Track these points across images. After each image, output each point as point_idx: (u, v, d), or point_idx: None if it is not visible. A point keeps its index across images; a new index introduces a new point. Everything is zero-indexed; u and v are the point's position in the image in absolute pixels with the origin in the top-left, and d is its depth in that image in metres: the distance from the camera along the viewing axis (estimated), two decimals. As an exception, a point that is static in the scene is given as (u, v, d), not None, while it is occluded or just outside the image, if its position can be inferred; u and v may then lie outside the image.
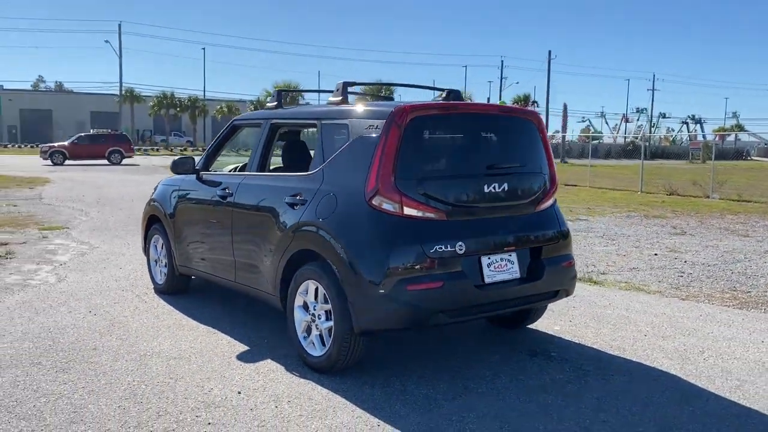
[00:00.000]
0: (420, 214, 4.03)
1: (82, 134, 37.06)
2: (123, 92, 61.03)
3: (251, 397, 3.91)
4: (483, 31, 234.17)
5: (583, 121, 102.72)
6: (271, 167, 5.51)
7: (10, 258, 8.20)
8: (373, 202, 4.00)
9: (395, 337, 5.09)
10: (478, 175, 4.32)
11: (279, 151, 5.71)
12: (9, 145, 60.31)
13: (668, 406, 3.87)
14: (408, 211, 4.00)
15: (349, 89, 4.81)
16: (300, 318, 4.46)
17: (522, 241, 4.45)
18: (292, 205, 4.51)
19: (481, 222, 4.30)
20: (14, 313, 5.64)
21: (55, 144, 35.98)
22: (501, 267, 4.30)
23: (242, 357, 4.61)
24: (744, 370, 4.53)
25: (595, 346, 4.97)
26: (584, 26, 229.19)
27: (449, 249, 4.03)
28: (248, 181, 5.17)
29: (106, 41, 71.98)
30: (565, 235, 4.75)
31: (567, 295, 4.83)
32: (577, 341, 5.10)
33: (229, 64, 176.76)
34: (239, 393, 3.97)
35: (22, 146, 57.47)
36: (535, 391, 4.08)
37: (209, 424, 3.54)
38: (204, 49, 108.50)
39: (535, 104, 63.62)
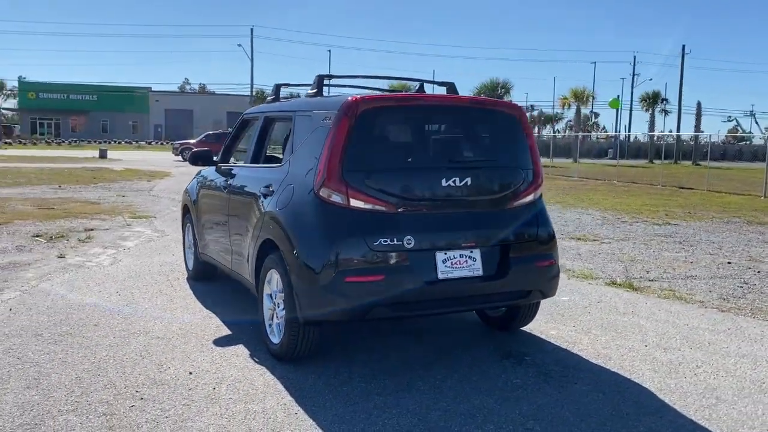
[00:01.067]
0: (367, 206, 4.01)
1: (210, 132, 39.65)
2: (254, 93, 64.55)
3: (198, 378, 4.08)
4: (614, 26, 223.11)
5: (730, 120, 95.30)
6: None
7: (87, 242, 9.00)
8: (321, 193, 4.04)
9: (375, 327, 5.09)
10: (436, 168, 4.23)
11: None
12: (153, 142, 65.85)
13: (611, 420, 3.60)
14: (355, 203, 3.99)
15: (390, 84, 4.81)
16: (267, 306, 4.59)
17: (486, 237, 4.29)
18: (264, 196, 4.64)
19: (438, 217, 4.21)
20: (53, 290, 6.22)
21: (187, 141, 38.75)
22: (459, 263, 4.18)
23: (219, 341, 4.80)
24: (732, 389, 4.09)
25: (581, 354, 4.69)
26: (724, 18, 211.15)
27: (395, 243, 3.98)
28: (239, 172, 5.39)
29: (239, 45, 76.16)
30: (543, 234, 4.52)
31: (543, 297, 4.60)
32: (565, 347, 4.83)
33: (351, 64, 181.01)
34: (190, 373, 4.15)
35: (165, 143, 62.38)
36: (480, 393, 3.93)
37: (141, 399, 3.74)
38: (330, 51, 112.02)
39: (665, 102, 59.82)
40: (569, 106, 54.25)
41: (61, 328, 5.02)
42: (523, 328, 5.21)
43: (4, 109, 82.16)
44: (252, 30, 69.83)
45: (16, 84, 72.90)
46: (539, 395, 3.92)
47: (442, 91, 5.13)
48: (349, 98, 4.15)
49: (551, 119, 77.92)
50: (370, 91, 5.06)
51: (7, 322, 5.15)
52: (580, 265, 8.04)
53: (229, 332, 5.03)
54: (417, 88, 4.85)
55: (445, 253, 4.15)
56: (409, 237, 4.02)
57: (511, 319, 5.03)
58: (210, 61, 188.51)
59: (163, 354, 4.50)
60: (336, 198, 3.99)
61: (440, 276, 4.11)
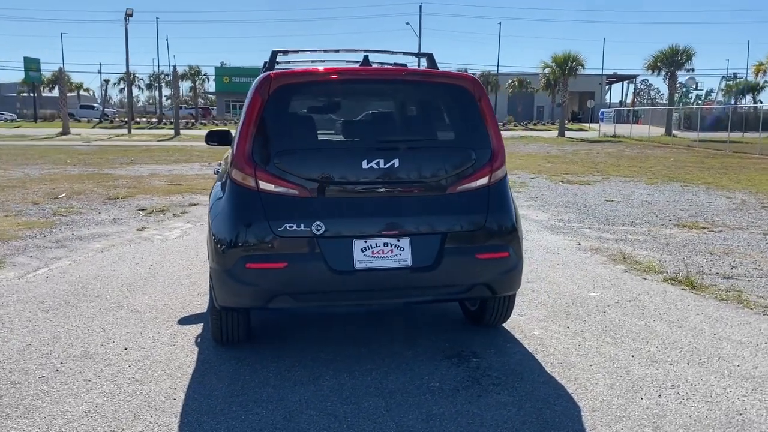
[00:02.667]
0: (277, 189, 3.81)
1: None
2: (422, 70, 64.93)
3: (127, 354, 4.18)
4: None
5: None
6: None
7: (178, 216, 9.67)
8: (233, 175, 3.91)
9: (327, 314, 4.87)
10: (357, 149, 3.89)
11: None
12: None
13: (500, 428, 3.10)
14: (264, 186, 3.81)
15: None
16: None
17: (417, 225, 3.89)
18: (219, 181, 4.61)
19: (358, 201, 3.88)
20: (101, 262, 6.74)
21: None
22: (383, 253, 3.83)
23: (184, 320, 4.89)
24: (695, 416, 3.34)
25: (543, 360, 4.11)
26: None
27: (302, 228, 3.75)
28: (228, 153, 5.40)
29: (407, 23, 76.64)
30: (494, 222, 4.00)
31: (494, 293, 4.08)
32: (532, 351, 4.26)
33: (522, 36, 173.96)
34: (125, 349, 4.27)
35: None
36: (381, 394, 3.59)
37: (56, 371, 3.91)
38: (500, 23, 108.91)
39: None
40: (765, 71, 47.68)
41: (66, 298, 5.41)
42: (506, 326, 4.69)
43: (207, 93, 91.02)
44: (420, 7, 69.82)
45: (212, 70, 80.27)
46: (443, 403, 3.49)
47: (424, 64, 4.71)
48: (263, 74, 3.95)
49: (754, 88, 69.16)
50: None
51: (27, 289, 5.67)
52: (656, 256, 7.07)
53: (201, 312, 5.10)
54: (362, 61, 4.49)
55: (365, 242, 3.83)
56: (318, 223, 3.75)
57: (481, 313, 4.54)
58: (379, 40, 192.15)
59: (123, 328, 4.67)
60: (247, 181, 3.84)
61: (357, 265, 3.80)
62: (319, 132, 4.11)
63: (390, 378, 3.81)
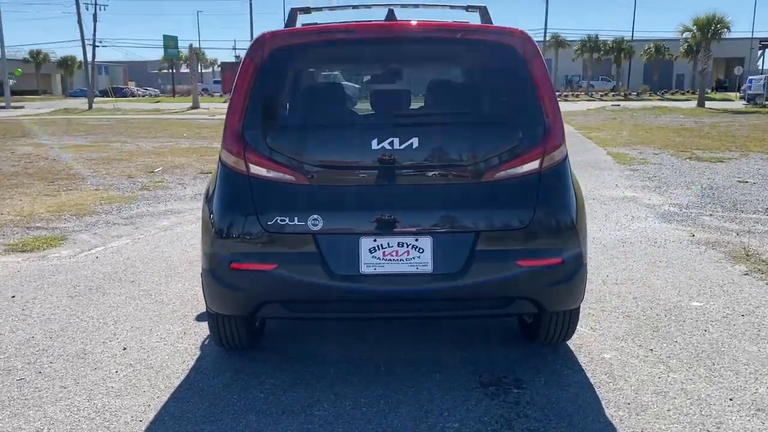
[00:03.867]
0: (270, 174, 3.14)
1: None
2: (547, 38, 61.72)
3: (124, 356, 3.73)
4: None
5: None
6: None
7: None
8: (221, 156, 3.29)
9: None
10: (369, 125, 3.14)
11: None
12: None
13: None
14: (256, 170, 3.16)
15: (301, 17, 3.91)
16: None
17: (442, 221, 3.09)
18: None
19: (367, 191, 3.14)
20: (157, 242, 6.47)
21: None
22: (396, 255, 3.08)
23: (203, 316, 4.38)
24: None
25: (607, 396, 3.20)
26: None
27: (297, 223, 3.07)
28: None
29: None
30: (547, 219, 3.12)
31: (542, 310, 3.22)
32: (594, 381, 3.36)
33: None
34: (124, 349, 3.83)
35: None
36: (397, 416, 2.88)
37: (39, 372, 3.52)
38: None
39: None
40: None
41: (100, 283, 5.11)
42: (571, 344, 3.79)
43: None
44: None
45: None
46: (455, 454, 2.72)
47: (475, 18, 3.84)
48: (261, 35, 3.27)
49: None
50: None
51: (71, 270, 5.44)
52: (789, 254, 5.75)
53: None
54: (386, 15, 3.65)
55: (375, 240, 3.09)
56: (316, 216, 3.06)
57: (536, 327, 3.67)
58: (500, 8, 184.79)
59: (135, 322, 4.26)
60: (236, 164, 3.20)
61: (364, 270, 3.08)
62: (322, 104, 3.39)
63: (399, 411, 3.07)
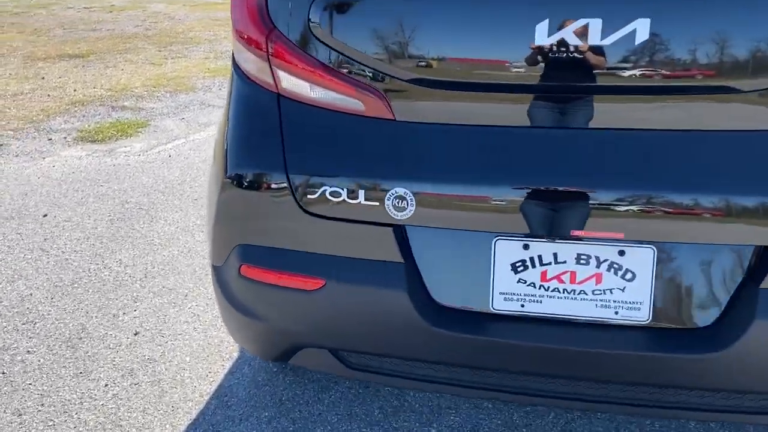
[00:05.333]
0: (315, 93, 1.54)
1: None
2: None
3: (127, 349, 2.48)
4: None
5: None
6: None
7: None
8: (234, 57, 1.70)
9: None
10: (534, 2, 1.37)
11: None
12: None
13: None
14: (288, 80, 1.56)
15: None
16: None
17: (693, 222, 1.37)
18: None
19: (516, 137, 1.44)
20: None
21: None
22: (570, 281, 1.45)
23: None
24: None
25: None
26: None
27: (365, 202, 1.49)
28: None
29: None
30: None
31: None
32: None
33: None
34: (135, 334, 2.59)
35: None
36: None
37: (27, 353, 2.37)
38: None
39: None
40: None
41: (156, 200, 3.90)
42: None
43: None
44: None
45: None
46: None
47: None
48: None
49: None
50: None
51: (130, 176, 4.28)
52: None
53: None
54: None
55: (526, 248, 1.45)
56: (402, 192, 1.45)
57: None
58: None
59: (173, 279, 2.99)
60: (256, 71, 1.61)
61: (498, 306, 1.48)
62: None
63: None
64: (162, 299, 2.81)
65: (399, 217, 1.47)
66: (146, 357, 2.43)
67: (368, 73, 1.49)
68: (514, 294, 1.47)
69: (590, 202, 1.39)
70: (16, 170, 4.43)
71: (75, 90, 6.62)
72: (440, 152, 1.46)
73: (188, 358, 2.42)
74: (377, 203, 1.47)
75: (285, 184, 1.54)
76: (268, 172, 1.57)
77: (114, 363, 2.40)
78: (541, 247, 1.44)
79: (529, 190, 1.41)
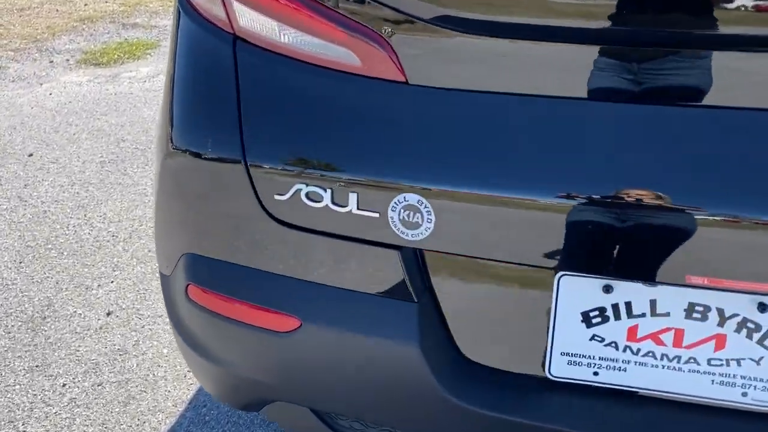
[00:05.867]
0: (288, 36, 1.00)
1: None
2: None
3: (97, 334, 2.08)
4: None
5: None
6: None
7: None
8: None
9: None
10: None
11: None
12: None
13: None
14: (250, 18, 1.02)
15: None
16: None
17: None
18: None
19: (614, 123, 0.88)
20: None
21: None
22: (671, 343, 0.92)
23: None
24: None
25: None
26: None
27: (369, 212, 0.97)
28: None
29: None
30: None
31: None
32: None
33: None
34: (108, 314, 2.17)
35: None
36: None
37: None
38: None
39: None
40: None
41: (151, 138, 3.43)
42: None
43: None
44: None
45: None
46: None
47: None
48: None
49: None
50: None
51: (129, 106, 3.81)
52: None
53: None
54: None
55: (608, 291, 0.92)
56: (416, 200, 0.93)
57: None
58: None
59: (145, 246, 2.55)
60: (208, 3, 1.07)
61: (560, 371, 0.97)
62: None
63: None
64: (145, 267, 2.38)
65: (410, 237, 0.95)
66: (116, 347, 2.01)
67: (366, 7, 0.94)
68: (584, 356, 0.96)
69: (722, 228, 0.85)
70: (10, 98, 4.00)
71: (86, 4, 6.08)
72: (476, 137, 0.92)
73: (165, 350, 2.00)
74: (376, 214, 0.95)
75: (243, 175, 1.03)
76: (219, 154, 1.05)
77: (78, 354, 1.99)
78: (632, 291, 0.92)
79: (619, 203, 0.87)
